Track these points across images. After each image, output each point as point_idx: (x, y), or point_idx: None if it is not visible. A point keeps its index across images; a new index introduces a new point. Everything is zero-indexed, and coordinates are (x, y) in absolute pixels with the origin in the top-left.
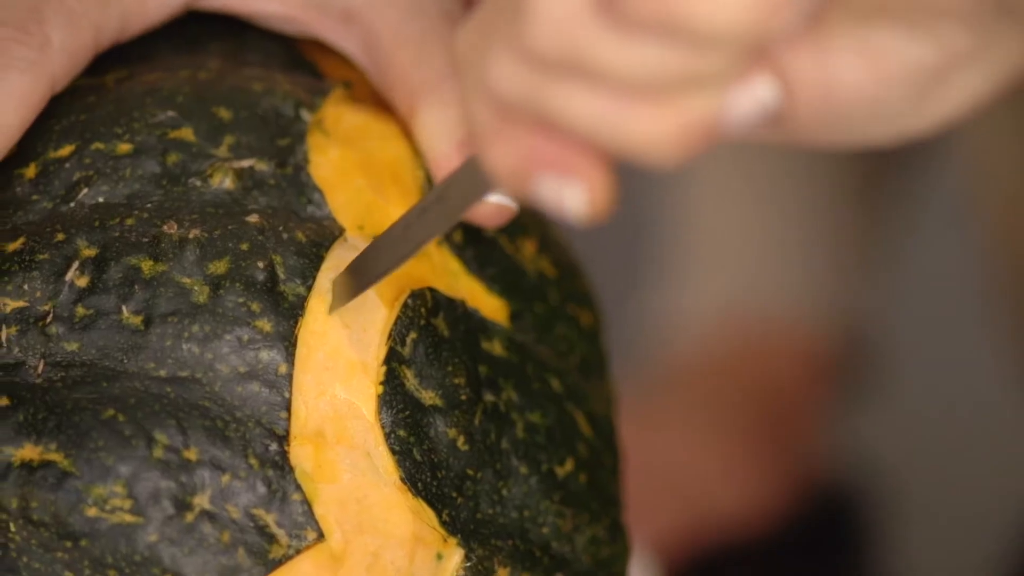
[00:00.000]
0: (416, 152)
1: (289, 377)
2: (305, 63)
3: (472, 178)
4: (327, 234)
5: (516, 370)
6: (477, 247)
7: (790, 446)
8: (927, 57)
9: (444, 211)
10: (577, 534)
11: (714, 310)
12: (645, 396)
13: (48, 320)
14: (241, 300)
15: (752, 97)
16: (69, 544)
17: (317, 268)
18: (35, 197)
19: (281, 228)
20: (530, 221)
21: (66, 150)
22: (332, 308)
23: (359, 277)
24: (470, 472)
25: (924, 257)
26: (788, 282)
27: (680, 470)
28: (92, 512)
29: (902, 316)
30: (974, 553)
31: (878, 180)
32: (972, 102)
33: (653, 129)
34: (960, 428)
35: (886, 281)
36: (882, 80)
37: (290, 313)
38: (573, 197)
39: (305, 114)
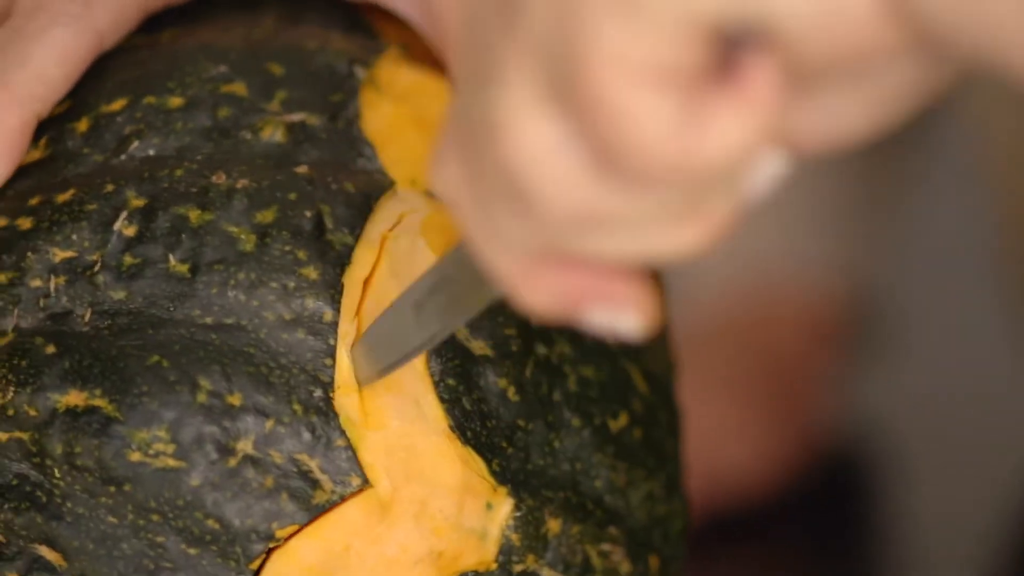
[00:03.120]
0: None
1: (335, 325)
2: (362, 25)
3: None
4: (377, 186)
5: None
6: None
7: (798, 410)
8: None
9: (459, 298)
10: (631, 489)
11: (722, 276)
12: None
13: (96, 269)
14: (287, 248)
15: (765, 175)
16: (113, 489)
17: (366, 218)
18: (86, 150)
19: (330, 179)
20: None
21: (118, 104)
22: (360, 380)
23: (378, 352)
24: (520, 423)
25: (930, 221)
26: (795, 247)
27: (691, 434)
28: (136, 457)
29: (908, 280)
30: (978, 514)
31: (883, 146)
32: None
33: (682, 241)
34: (966, 390)
35: (892, 245)
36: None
37: (337, 262)
38: (625, 321)
39: (358, 71)
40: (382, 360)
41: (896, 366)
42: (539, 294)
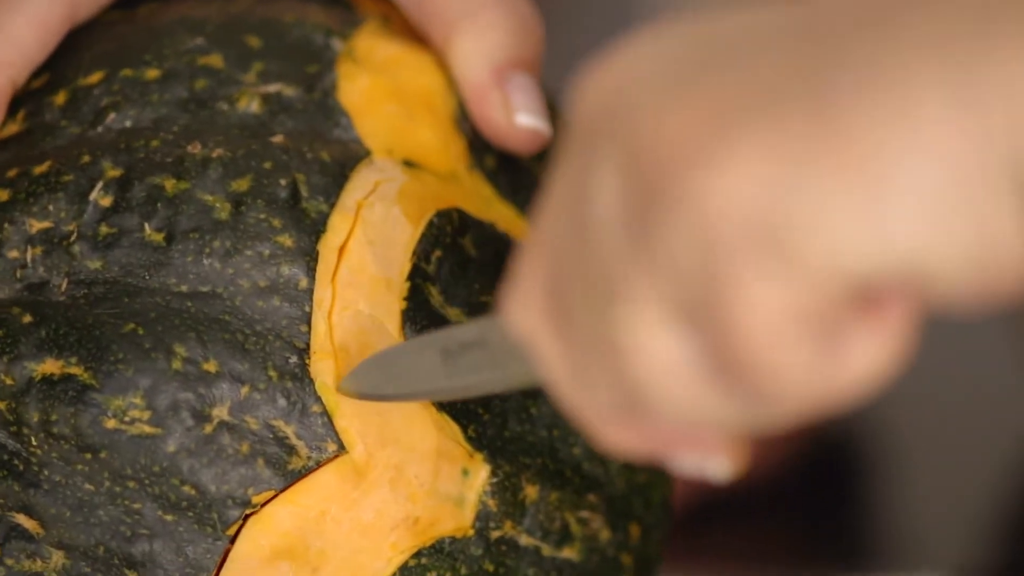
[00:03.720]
0: (449, 84)
1: (310, 292)
2: (342, 1)
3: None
4: (352, 155)
5: None
6: (510, 173)
7: None
8: None
9: (500, 364)
10: (610, 457)
11: None
12: None
13: (72, 239)
14: (263, 216)
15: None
16: (89, 456)
17: (341, 187)
18: (63, 123)
19: (306, 148)
20: None
21: (95, 77)
22: (350, 393)
23: (383, 377)
24: None
25: None
26: None
27: None
28: (111, 424)
29: None
30: (969, 496)
31: None
32: None
33: (782, 414)
34: (957, 373)
35: None
36: None
37: (312, 229)
38: (715, 467)
39: (335, 43)
40: (388, 387)
41: None
42: (625, 442)
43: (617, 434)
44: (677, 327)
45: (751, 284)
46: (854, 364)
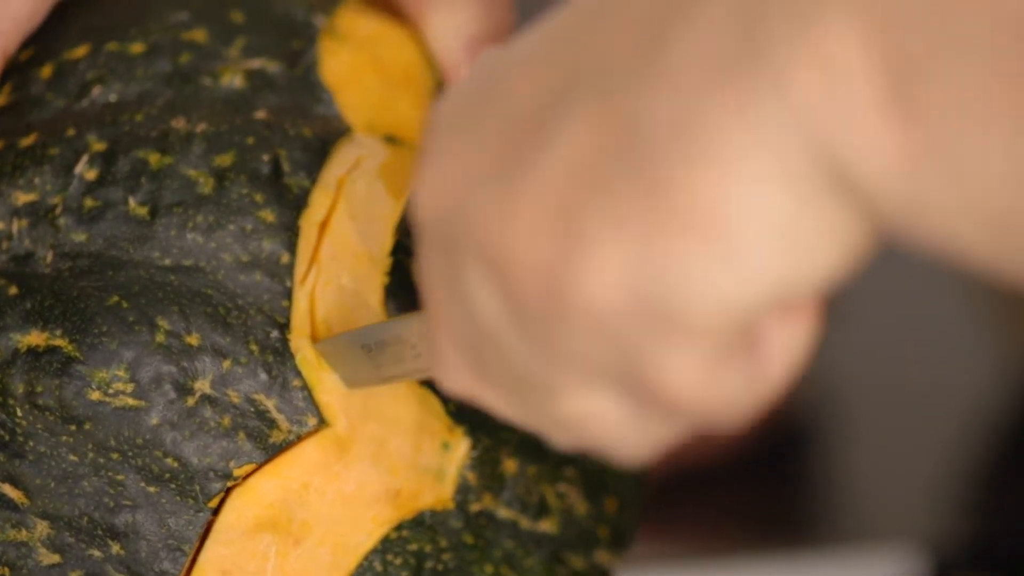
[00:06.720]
0: (428, 59)
1: (291, 267)
2: None
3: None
4: (334, 131)
5: None
6: None
7: None
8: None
9: (419, 359)
10: None
11: None
12: None
13: (57, 212)
14: (245, 191)
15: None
16: (73, 428)
17: (323, 163)
18: (49, 96)
19: (288, 124)
20: None
21: (81, 51)
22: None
23: (339, 362)
24: None
25: None
26: None
27: None
28: (95, 396)
29: None
30: (923, 471)
31: None
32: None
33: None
34: (912, 353)
35: None
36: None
37: (294, 205)
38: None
39: (318, 18)
40: (342, 372)
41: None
42: (566, 441)
43: (561, 437)
44: (609, 393)
45: (664, 357)
46: (777, 361)
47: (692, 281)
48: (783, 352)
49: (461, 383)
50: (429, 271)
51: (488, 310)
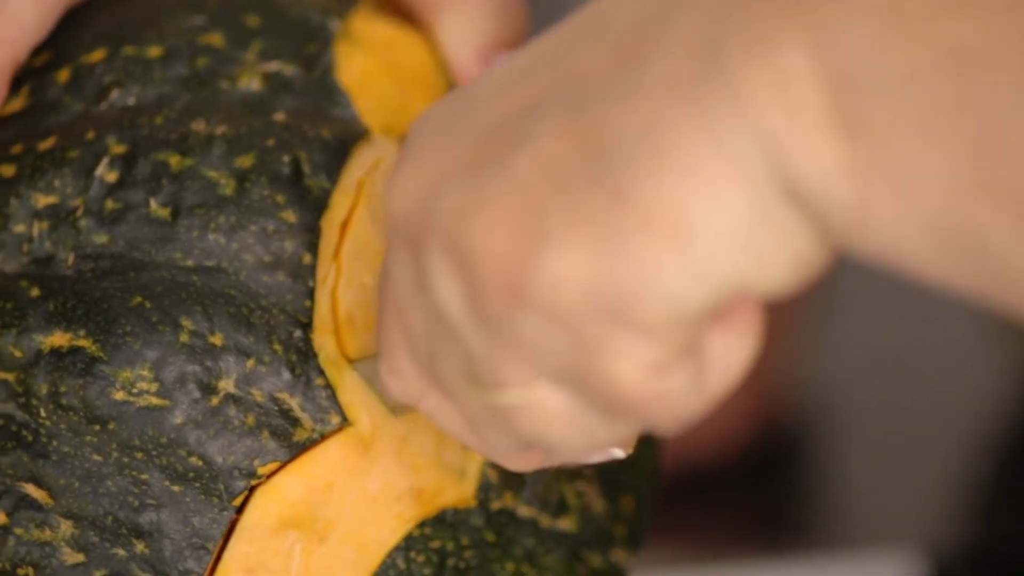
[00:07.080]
0: (441, 63)
1: (313, 267)
2: None
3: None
4: (352, 133)
5: None
6: None
7: (753, 381)
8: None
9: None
10: None
11: None
12: None
13: (78, 214)
14: (267, 192)
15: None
16: (97, 428)
17: (342, 164)
18: (67, 100)
19: (307, 126)
20: None
21: (98, 55)
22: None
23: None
24: None
25: None
26: None
27: None
28: (120, 396)
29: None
30: (920, 477)
31: None
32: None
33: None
34: (911, 355)
35: None
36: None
37: (315, 206)
38: (616, 455)
39: (333, 22)
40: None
41: (843, 335)
42: (530, 465)
43: (521, 463)
44: (558, 386)
45: (614, 351)
46: (720, 364)
47: (648, 279)
48: (723, 362)
49: (407, 385)
50: (392, 267)
51: (449, 299)
